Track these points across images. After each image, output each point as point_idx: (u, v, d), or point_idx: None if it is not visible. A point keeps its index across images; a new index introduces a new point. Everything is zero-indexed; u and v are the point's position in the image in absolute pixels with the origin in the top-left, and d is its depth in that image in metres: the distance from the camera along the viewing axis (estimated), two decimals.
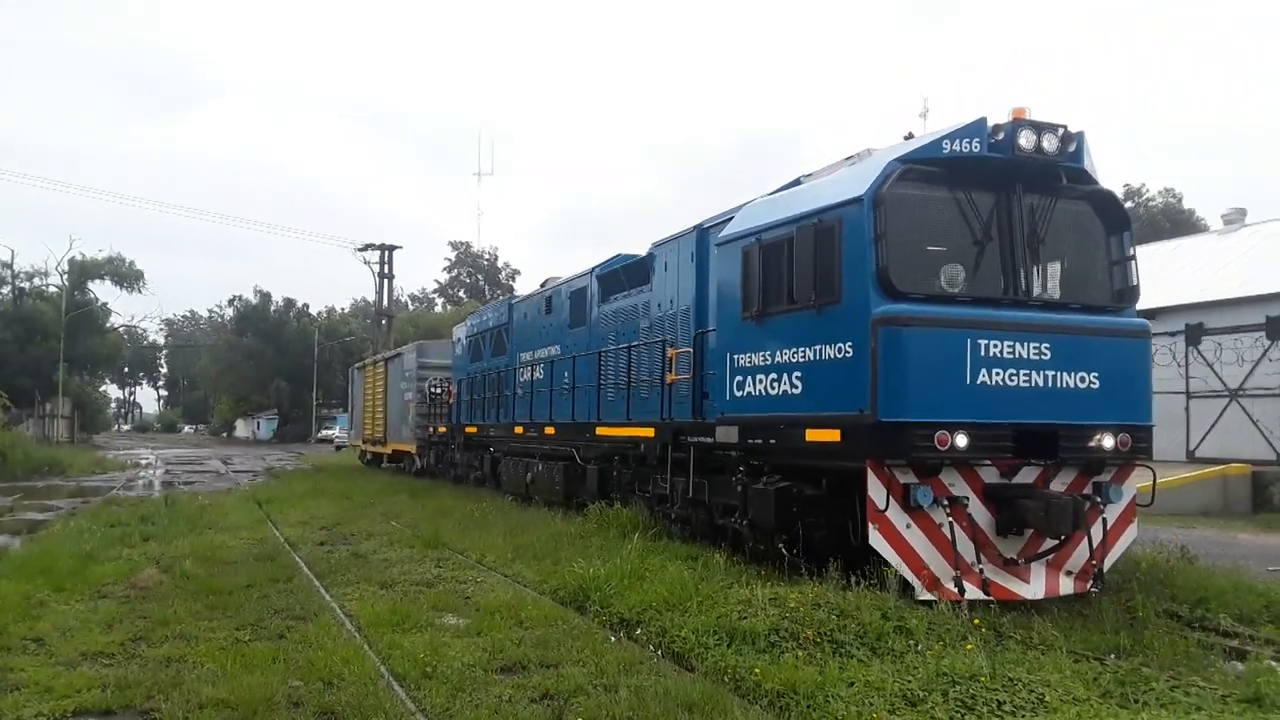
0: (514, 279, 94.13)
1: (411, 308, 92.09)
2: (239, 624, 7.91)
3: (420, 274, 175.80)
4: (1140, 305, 24.22)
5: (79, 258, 56.12)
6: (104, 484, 26.42)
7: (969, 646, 6.50)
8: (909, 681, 5.82)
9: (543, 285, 19.58)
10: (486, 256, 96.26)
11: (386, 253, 49.64)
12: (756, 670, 6.13)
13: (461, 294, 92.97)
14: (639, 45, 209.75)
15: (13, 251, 56.84)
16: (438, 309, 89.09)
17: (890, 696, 5.60)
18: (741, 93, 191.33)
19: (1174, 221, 59.70)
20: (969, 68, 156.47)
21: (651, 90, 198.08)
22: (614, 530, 11.88)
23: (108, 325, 61.23)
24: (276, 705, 5.70)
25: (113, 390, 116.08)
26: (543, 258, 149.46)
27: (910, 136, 9.61)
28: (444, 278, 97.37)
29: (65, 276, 55.72)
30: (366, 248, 49.71)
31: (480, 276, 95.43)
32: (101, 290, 58.95)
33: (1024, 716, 5.39)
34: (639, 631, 7.55)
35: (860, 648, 6.64)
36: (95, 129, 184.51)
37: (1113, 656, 6.72)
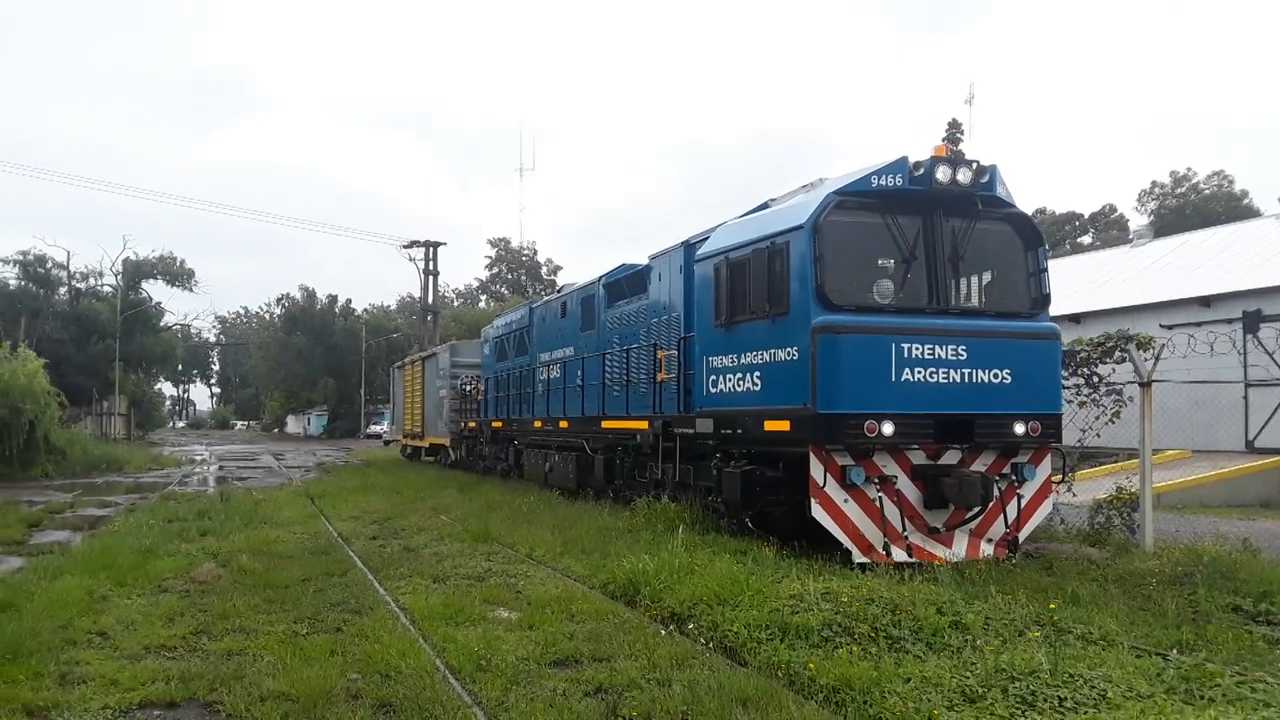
0: (555, 274, 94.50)
1: (456, 304, 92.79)
2: (296, 617, 8.02)
3: (463, 271, 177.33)
4: (1196, 292, 23.67)
5: (132, 258, 57.35)
6: (160, 480, 26.95)
7: (1031, 638, 6.41)
8: (967, 677, 5.74)
9: (559, 290, 21.22)
10: (526, 253, 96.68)
11: (431, 250, 50.04)
12: (811, 665, 6.08)
13: (503, 290, 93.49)
14: (674, 46, 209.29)
15: (69, 253, 58.42)
16: (481, 305, 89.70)
17: (948, 692, 5.52)
18: (775, 92, 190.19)
19: (1227, 207, 58.29)
20: (1005, 58, 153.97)
21: (687, 89, 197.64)
22: (661, 524, 11.89)
23: (161, 324, 62.50)
24: (335, 698, 5.76)
25: (167, 388, 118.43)
26: (580, 253, 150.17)
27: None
28: (485, 274, 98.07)
29: (120, 276, 56.96)
30: (412, 245, 50.18)
31: (522, 273, 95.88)
32: (154, 289, 60.34)
33: (1086, 713, 5.27)
34: (690, 626, 7.53)
35: (915, 643, 6.56)
36: (147, 138, 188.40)
37: (1175, 651, 6.56)
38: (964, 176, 10.11)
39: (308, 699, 5.66)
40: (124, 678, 6.30)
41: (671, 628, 7.60)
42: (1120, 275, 28.79)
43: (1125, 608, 7.85)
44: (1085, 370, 11.83)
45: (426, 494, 19.43)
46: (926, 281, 10.09)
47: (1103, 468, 16.18)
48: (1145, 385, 10.80)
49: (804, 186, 11.53)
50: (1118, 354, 11.43)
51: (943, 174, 10.02)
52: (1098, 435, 11.79)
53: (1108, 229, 69.51)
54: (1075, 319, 25.63)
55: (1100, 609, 7.65)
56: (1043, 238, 10.80)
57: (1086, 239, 70.31)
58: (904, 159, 10.10)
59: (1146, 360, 10.95)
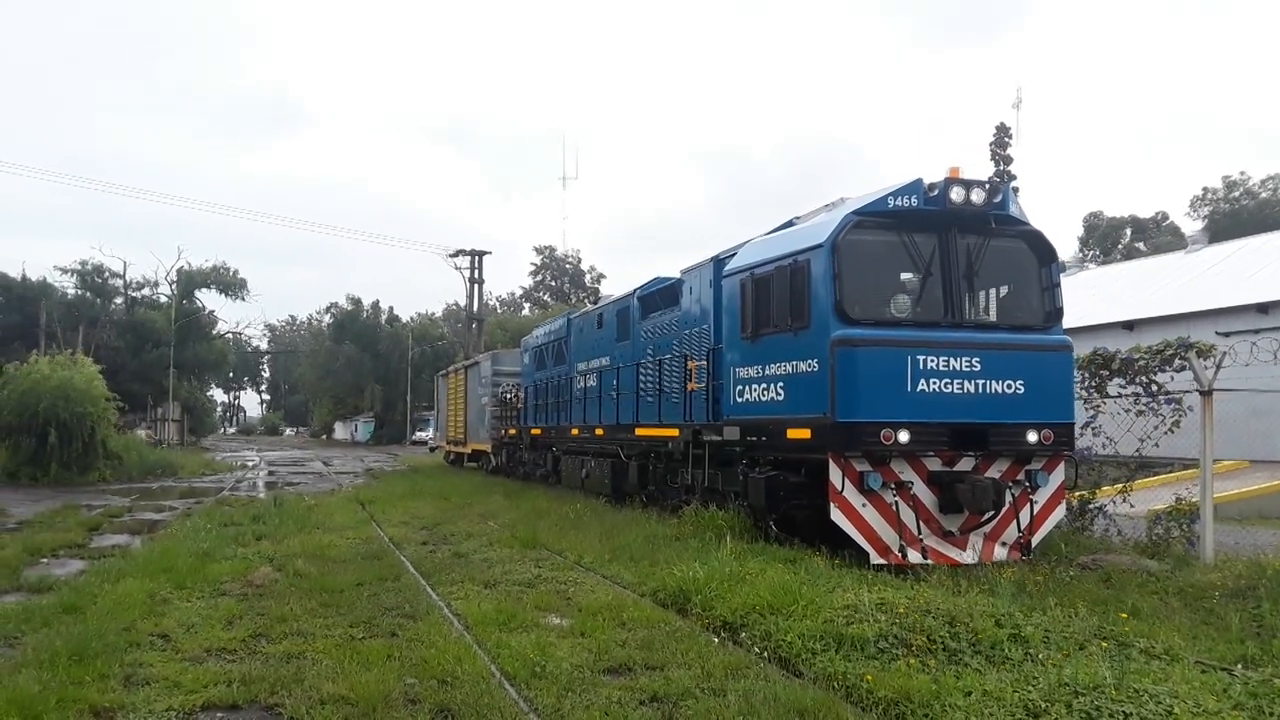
0: (598, 281, 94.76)
1: (500, 311, 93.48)
2: (352, 621, 8.11)
3: (507, 279, 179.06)
4: (1254, 299, 23.12)
5: (186, 268, 58.47)
6: (214, 485, 27.44)
7: (1094, 652, 6.29)
8: (1029, 692, 5.63)
9: (595, 303, 21.53)
10: (570, 261, 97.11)
11: (477, 258, 50.56)
12: (868, 677, 6.01)
13: (547, 298, 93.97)
14: (715, 54, 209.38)
15: (125, 263, 59.50)
16: (525, 312, 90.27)
17: (1010, 707, 5.42)
18: (816, 100, 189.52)
19: None
20: (1054, 64, 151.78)
21: (729, 99, 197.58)
22: (709, 532, 11.85)
23: (214, 332, 63.65)
24: (394, 702, 5.81)
25: (219, 394, 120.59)
26: (623, 260, 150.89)
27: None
28: (529, 282, 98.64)
29: (174, 286, 58.13)
30: (458, 254, 50.76)
31: (565, 280, 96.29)
32: (207, 299, 61.40)
33: None
34: (743, 635, 7.49)
35: (974, 656, 6.46)
36: (201, 153, 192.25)
37: (1240, 667, 6.41)
38: (977, 196, 10.49)
39: (367, 703, 5.72)
40: (187, 680, 6.40)
41: (724, 637, 7.57)
42: (1175, 281, 28.23)
43: (1187, 622, 7.69)
44: (1144, 378, 11.62)
45: (473, 500, 19.58)
46: (942, 296, 10.51)
47: (1158, 477, 15.84)
48: (1206, 394, 10.57)
49: (826, 206, 12.02)
50: (1177, 362, 11.21)
51: (956, 194, 10.41)
52: (1156, 445, 11.56)
53: (1161, 235, 68.26)
54: (1128, 326, 25.18)
55: (1162, 623, 7.50)
56: (1056, 253, 11.13)
57: (1141, 245, 69.10)
58: (919, 180, 10.54)
59: (1207, 368, 10.72)
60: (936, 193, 10.44)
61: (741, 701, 5.69)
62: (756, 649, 7.13)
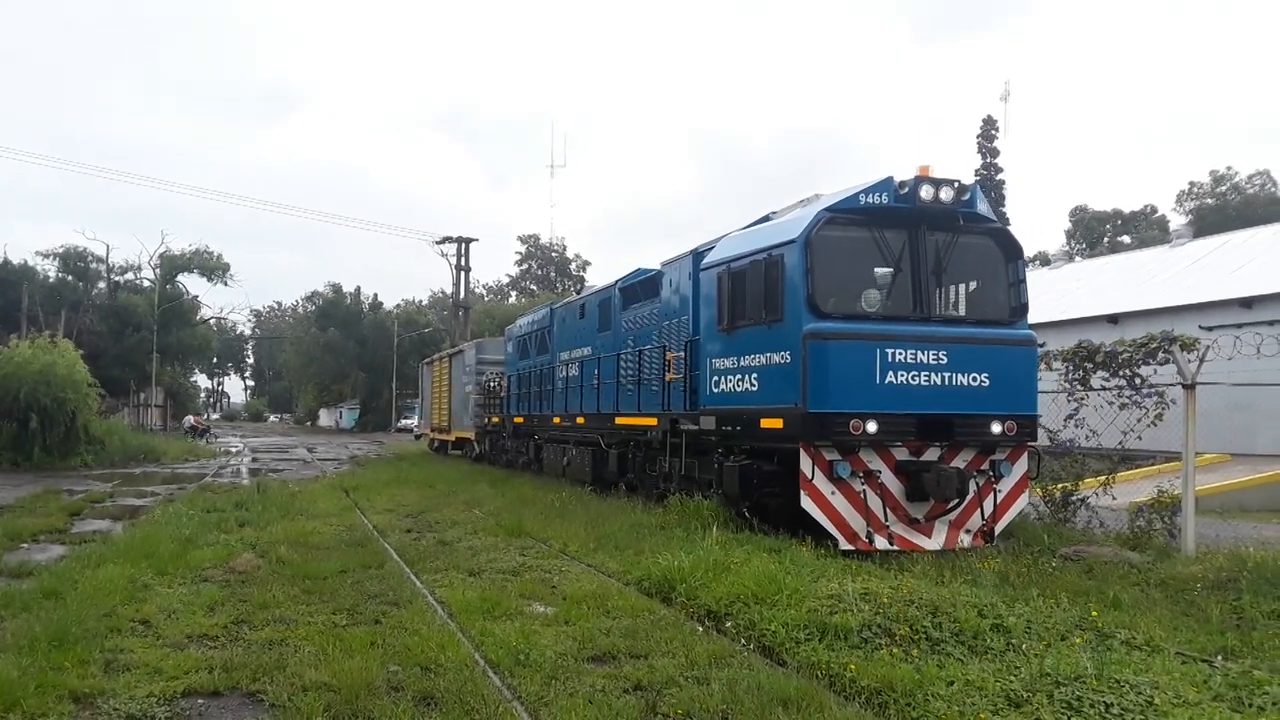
0: (584, 270, 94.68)
1: (487, 299, 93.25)
2: (335, 609, 8.07)
3: (494, 267, 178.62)
4: (1237, 294, 23.18)
5: (169, 252, 58.00)
6: (196, 471, 27.30)
7: (1076, 643, 6.33)
8: (1011, 681, 5.67)
9: (578, 293, 22.54)
10: (555, 249, 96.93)
11: (463, 246, 50.35)
12: (851, 667, 6.02)
13: (533, 286, 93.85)
14: (705, 44, 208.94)
15: (108, 246, 58.93)
16: (511, 300, 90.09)
17: (992, 696, 5.45)
18: (805, 91, 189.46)
19: (1269, 209, 57.40)
20: (1043, 57, 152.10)
21: (718, 88, 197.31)
22: (695, 522, 11.86)
23: (197, 317, 63.19)
24: (377, 689, 5.78)
25: (202, 380, 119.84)
26: (610, 249, 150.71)
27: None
28: (515, 271, 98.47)
29: (157, 270, 57.67)
30: (444, 240, 50.53)
31: (551, 269, 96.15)
32: (191, 283, 60.93)
33: (1134, 719, 5.21)
34: (727, 624, 7.49)
35: (957, 646, 6.49)
36: (188, 138, 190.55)
37: (1220, 658, 6.47)
38: (946, 195, 10.76)
39: (350, 690, 5.69)
40: (168, 666, 6.36)
41: (708, 626, 7.57)
42: (1159, 275, 28.37)
43: (1168, 613, 7.75)
44: (1127, 371, 11.67)
45: (458, 488, 19.53)
46: (911, 291, 10.78)
47: (1140, 470, 15.96)
48: (1189, 387, 10.63)
49: (800, 202, 12.29)
50: (1161, 355, 11.26)
51: (926, 192, 10.67)
52: (1139, 438, 11.63)
53: (1148, 229, 68.67)
54: (1112, 319, 25.29)
55: (1143, 614, 7.56)
56: (1022, 250, 11.41)
57: (1126, 238, 69.48)
58: (890, 179, 10.81)
59: (1191, 362, 10.77)
60: (907, 190, 10.70)
61: (725, 690, 5.69)
62: (741, 638, 7.14)
